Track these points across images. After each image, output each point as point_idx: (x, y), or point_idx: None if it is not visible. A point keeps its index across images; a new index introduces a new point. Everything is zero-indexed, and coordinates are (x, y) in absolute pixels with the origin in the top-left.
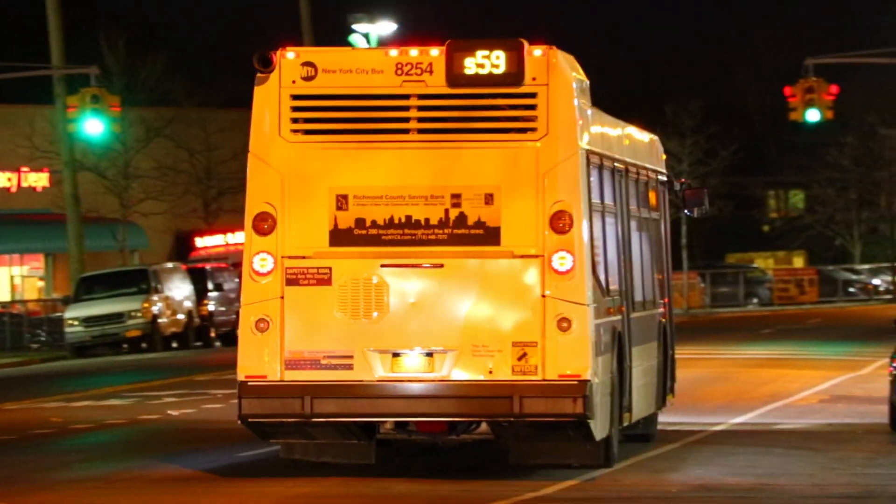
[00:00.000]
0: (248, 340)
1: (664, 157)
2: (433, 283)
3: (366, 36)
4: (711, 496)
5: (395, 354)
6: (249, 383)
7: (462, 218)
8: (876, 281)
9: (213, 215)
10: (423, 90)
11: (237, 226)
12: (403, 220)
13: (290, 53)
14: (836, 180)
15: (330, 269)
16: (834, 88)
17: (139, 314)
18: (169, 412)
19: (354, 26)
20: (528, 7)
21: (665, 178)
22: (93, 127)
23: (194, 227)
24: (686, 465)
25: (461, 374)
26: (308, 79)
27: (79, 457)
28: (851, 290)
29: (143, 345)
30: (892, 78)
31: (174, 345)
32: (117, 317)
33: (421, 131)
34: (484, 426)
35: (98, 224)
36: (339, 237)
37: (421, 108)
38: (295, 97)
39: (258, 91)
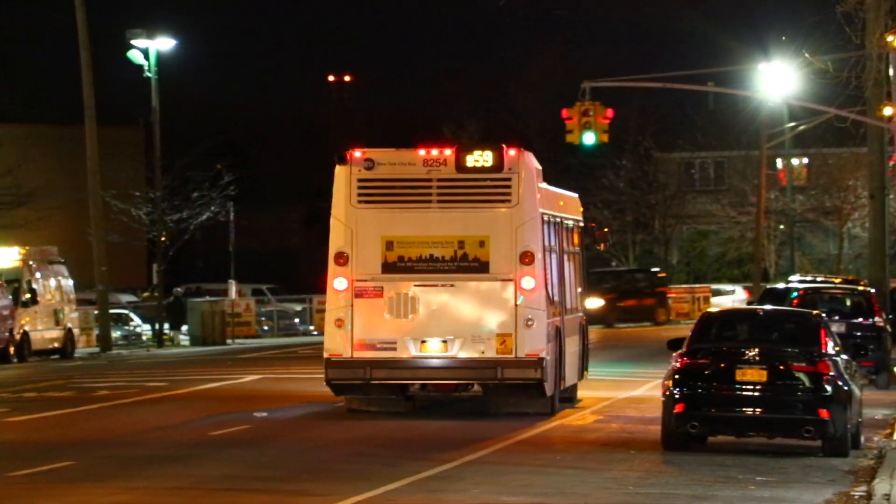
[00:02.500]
0: (331, 332)
1: (581, 209)
2: (447, 296)
3: (144, 52)
4: None
5: (423, 341)
6: (332, 359)
7: (465, 255)
8: None
9: None
10: (440, 175)
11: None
12: (428, 256)
13: (357, 153)
14: (612, 202)
15: (382, 287)
16: (610, 112)
17: None
18: None
19: (133, 42)
20: (310, 21)
21: (582, 224)
22: None
23: None
24: (463, 484)
25: (464, 354)
26: (368, 169)
27: None
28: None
29: None
30: (665, 102)
31: None
32: None
33: (439, 201)
34: (476, 387)
35: None
36: (388, 267)
37: (439, 187)
38: (360, 180)
39: (337, 175)
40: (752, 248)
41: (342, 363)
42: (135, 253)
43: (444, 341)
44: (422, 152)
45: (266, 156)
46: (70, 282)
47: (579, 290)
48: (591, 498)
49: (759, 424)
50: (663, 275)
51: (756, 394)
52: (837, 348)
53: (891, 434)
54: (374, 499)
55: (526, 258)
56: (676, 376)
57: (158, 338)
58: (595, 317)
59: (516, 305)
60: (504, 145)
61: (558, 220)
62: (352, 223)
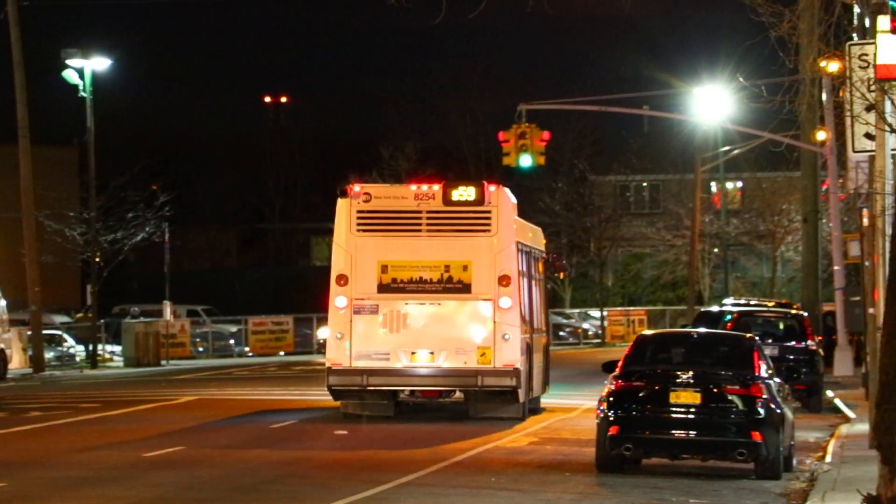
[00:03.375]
0: (333, 344)
1: (544, 241)
2: (434, 313)
3: (79, 71)
4: None
5: (413, 352)
6: (333, 367)
7: (450, 278)
8: (585, 325)
9: None
10: (429, 208)
11: None
12: (418, 278)
13: (356, 188)
14: (548, 225)
15: (378, 305)
16: (546, 134)
17: None
18: None
19: (68, 61)
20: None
21: (545, 254)
22: None
23: None
24: None
25: (449, 364)
26: (366, 202)
27: None
28: (562, 333)
29: None
30: (600, 125)
31: None
32: None
33: (428, 230)
34: (458, 394)
35: None
36: (383, 288)
37: (428, 218)
38: (359, 212)
39: (339, 207)
40: (686, 271)
41: (342, 371)
42: (69, 273)
43: (432, 353)
44: (413, 187)
45: (202, 176)
46: (3, 302)
47: (543, 313)
48: None
49: (692, 447)
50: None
51: (690, 416)
52: (770, 371)
53: (823, 457)
54: None
55: (504, 281)
56: (611, 398)
57: (92, 359)
58: None
59: (495, 322)
60: (485, 182)
61: (528, 249)
62: (351, 249)
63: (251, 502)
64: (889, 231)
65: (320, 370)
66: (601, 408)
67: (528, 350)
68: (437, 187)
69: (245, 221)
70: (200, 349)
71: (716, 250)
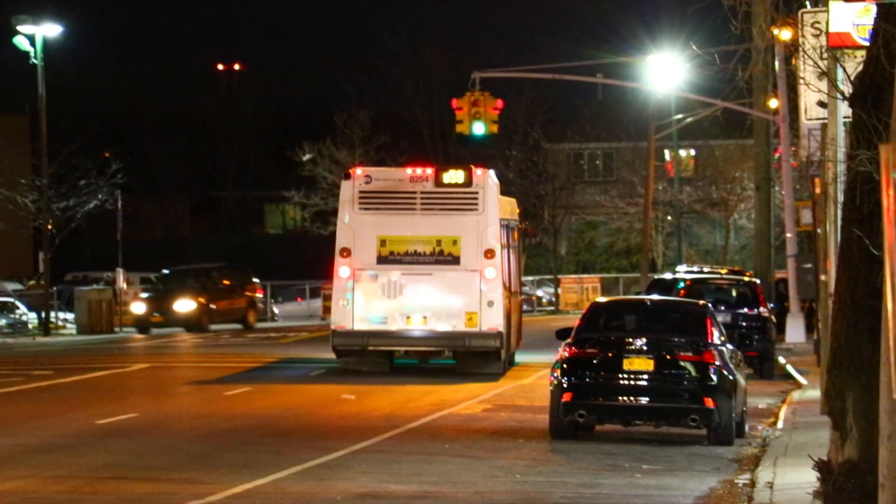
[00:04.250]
0: (337, 309)
1: (518, 210)
2: (427, 282)
3: (30, 38)
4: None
5: (408, 317)
6: (337, 330)
7: (441, 251)
8: (540, 292)
9: None
10: (423, 189)
11: None
12: (413, 251)
13: (359, 171)
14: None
15: (377, 274)
16: (499, 103)
17: None
18: None
19: (19, 28)
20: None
21: (518, 224)
22: None
23: None
24: (351, 472)
25: (440, 327)
26: (367, 182)
27: None
28: None
29: None
30: (554, 93)
31: None
32: None
33: (422, 209)
34: (447, 353)
35: None
36: (382, 259)
37: (422, 198)
38: (361, 192)
39: (343, 188)
40: (640, 238)
41: (345, 334)
42: (20, 241)
43: (425, 317)
44: (409, 171)
45: (154, 144)
46: None
47: (517, 277)
48: (479, 486)
49: (645, 413)
50: (252, 274)
51: (643, 383)
52: (723, 338)
53: (775, 423)
54: (262, 487)
55: (489, 254)
56: (564, 365)
57: (45, 326)
58: (188, 321)
59: (481, 290)
60: (472, 166)
61: (507, 222)
62: (354, 225)
63: (205, 469)
64: (841, 198)
65: (274, 337)
66: (555, 375)
67: (508, 313)
68: (430, 170)
69: (198, 189)
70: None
71: (669, 218)
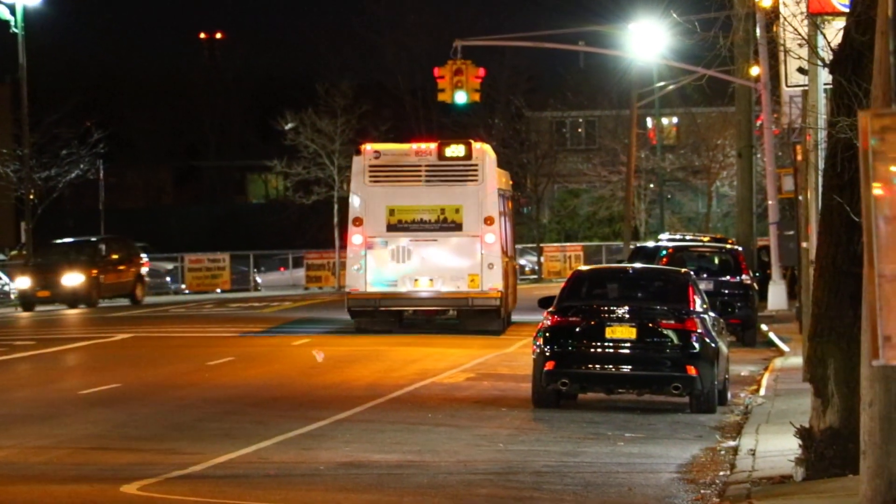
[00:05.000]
0: (351, 274)
1: (511, 182)
2: (433, 248)
3: (10, 7)
4: (358, 473)
5: (416, 279)
6: (351, 293)
7: (445, 219)
8: (522, 261)
9: None
10: (427, 162)
11: None
12: (419, 219)
13: (368, 147)
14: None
15: (387, 241)
16: (481, 71)
17: None
18: None
19: None
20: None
21: (511, 193)
22: None
23: None
24: (334, 442)
25: (445, 288)
26: (376, 158)
27: None
28: None
29: None
30: (536, 61)
31: None
32: None
33: (427, 180)
34: (452, 312)
35: None
36: (391, 227)
37: (427, 170)
38: (371, 166)
39: (354, 162)
40: (622, 206)
41: (358, 296)
42: (2, 211)
43: (431, 280)
44: (413, 146)
45: (136, 113)
46: None
47: (512, 243)
48: (462, 455)
49: (628, 381)
50: (138, 247)
51: (625, 351)
52: (705, 306)
53: (757, 390)
54: (246, 456)
55: (488, 221)
56: (547, 334)
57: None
58: (77, 296)
59: (482, 254)
60: (472, 141)
61: (502, 192)
62: (365, 196)
63: (188, 440)
64: (822, 165)
65: (258, 307)
66: (537, 343)
67: (506, 274)
68: (433, 146)
69: (180, 159)
70: None
71: (651, 186)
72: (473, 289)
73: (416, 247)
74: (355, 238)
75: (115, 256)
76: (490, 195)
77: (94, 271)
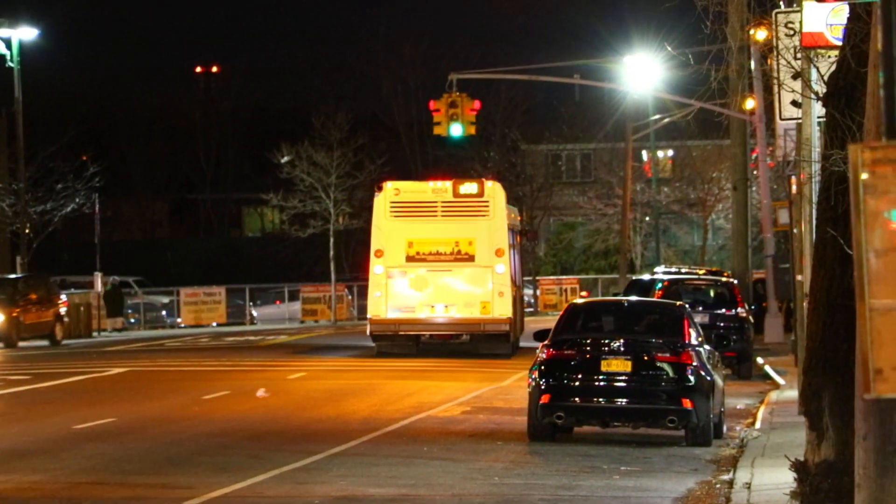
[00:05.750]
0: (373, 301)
1: (520, 218)
2: (448, 277)
3: (6, 41)
4: None
5: (432, 306)
6: (373, 318)
7: (459, 250)
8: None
9: None
10: (443, 198)
11: None
12: (435, 251)
13: (389, 184)
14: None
15: (406, 271)
16: (476, 104)
17: None
18: None
19: None
20: (178, 12)
21: (521, 228)
22: None
23: None
24: (329, 476)
25: (459, 315)
26: (396, 195)
27: None
28: None
29: None
30: (532, 94)
31: None
32: None
33: (443, 215)
34: (465, 336)
35: None
36: (410, 258)
37: (443, 206)
38: (392, 202)
39: (377, 199)
40: (618, 239)
41: (379, 321)
42: None
43: (446, 306)
44: (431, 184)
45: (132, 147)
46: None
47: (520, 274)
48: (457, 489)
49: (623, 414)
50: (57, 286)
51: (621, 384)
52: (700, 339)
53: (753, 423)
54: (241, 491)
55: (499, 253)
56: (542, 367)
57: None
58: None
59: (493, 283)
60: (483, 180)
61: (511, 226)
62: (386, 229)
63: (182, 474)
64: (816, 198)
65: (253, 340)
66: (532, 376)
67: (515, 302)
68: (448, 183)
69: (176, 192)
70: (132, 320)
71: (647, 219)
72: (485, 315)
73: (432, 276)
74: (377, 268)
75: (34, 296)
76: (500, 229)
77: (16, 311)
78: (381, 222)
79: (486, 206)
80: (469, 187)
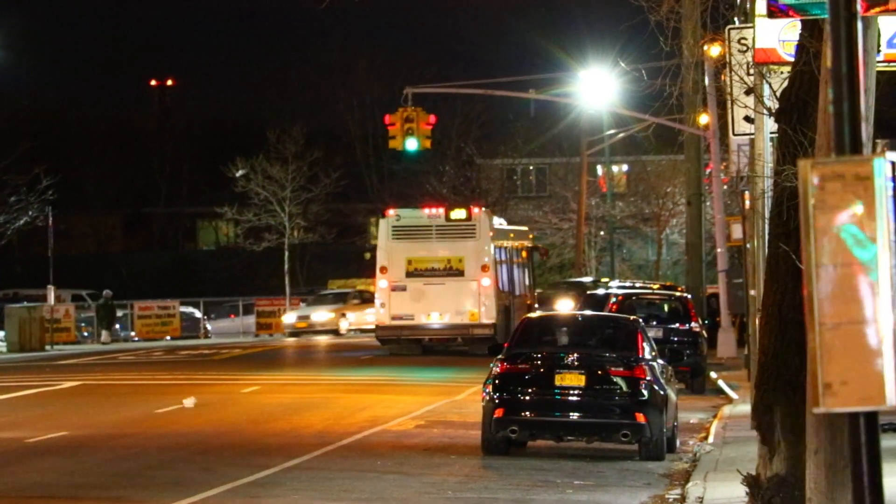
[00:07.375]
0: (378, 310)
1: (531, 236)
2: (442, 290)
3: None
4: None
5: (429, 314)
6: (379, 325)
7: (451, 267)
8: None
9: None
10: (437, 223)
11: None
12: (431, 267)
13: (392, 211)
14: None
15: (406, 285)
16: (432, 118)
17: None
18: None
19: None
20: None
21: (530, 245)
22: None
23: None
24: (282, 490)
25: (452, 321)
26: (398, 220)
27: None
28: None
29: None
30: (487, 109)
31: None
32: None
33: (437, 237)
34: (459, 340)
35: None
36: (409, 274)
37: (437, 229)
38: (394, 226)
39: (381, 224)
40: (573, 254)
41: (384, 327)
42: None
43: (441, 314)
44: (426, 210)
45: (86, 160)
46: None
47: (528, 283)
48: (411, 502)
49: (577, 429)
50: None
51: (574, 398)
52: (654, 353)
53: (706, 437)
54: None
55: (484, 268)
56: (496, 381)
57: None
58: None
59: (479, 294)
60: (471, 207)
61: (507, 245)
62: (389, 250)
63: (135, 488)
64: (768, 213)
65: (207, 354)
66: (487, 390)
67: (506, 310)
68: (441, 210)
69: (130, 205)
70: (86, 334)
71: (602, 233)
72: (473, 321)
73: (428, 289)
74: (381, 283)
75: None
76: (485, 249)
77: None
78: (384, 244)
79: (474, 230)
80: (459, 213)
